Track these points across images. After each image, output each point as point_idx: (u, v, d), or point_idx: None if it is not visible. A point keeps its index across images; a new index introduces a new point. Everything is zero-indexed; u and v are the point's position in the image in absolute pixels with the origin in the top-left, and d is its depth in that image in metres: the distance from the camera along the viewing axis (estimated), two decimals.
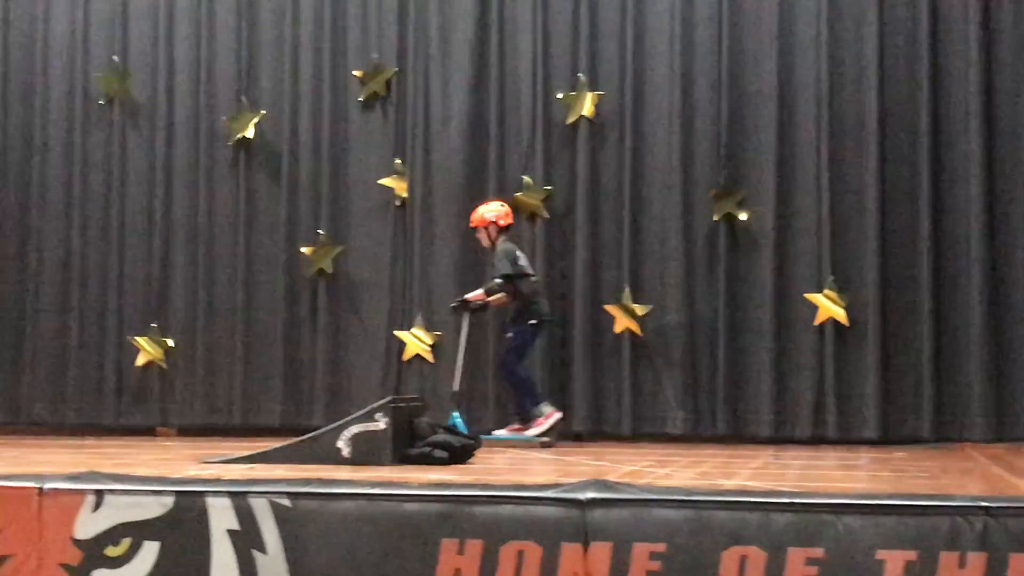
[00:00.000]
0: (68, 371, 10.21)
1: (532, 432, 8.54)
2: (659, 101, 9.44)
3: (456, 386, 8.71)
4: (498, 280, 8.64)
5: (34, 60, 10.56)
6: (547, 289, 9.42)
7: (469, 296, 8.85)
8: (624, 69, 9.51)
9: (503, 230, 8.76)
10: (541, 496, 4.47)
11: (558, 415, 8.61)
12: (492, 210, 8.84)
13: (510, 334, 8.68)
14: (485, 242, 8.88)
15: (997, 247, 8.84)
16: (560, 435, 9.07)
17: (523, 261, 8.70)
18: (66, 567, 4.83)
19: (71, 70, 10.49)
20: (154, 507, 4.78)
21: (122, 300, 10.23)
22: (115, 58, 10.36)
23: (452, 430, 6.92)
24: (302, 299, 9.98)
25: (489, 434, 8.53)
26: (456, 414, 8.45)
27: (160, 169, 10.27)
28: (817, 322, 9.02)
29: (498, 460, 6.93)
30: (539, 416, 8.56)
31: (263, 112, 10.09)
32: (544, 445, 8.37)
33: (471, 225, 9.01)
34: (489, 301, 8.83)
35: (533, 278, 8.67)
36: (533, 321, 8.59)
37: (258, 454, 6.60)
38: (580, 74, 9.52)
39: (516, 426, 8.74)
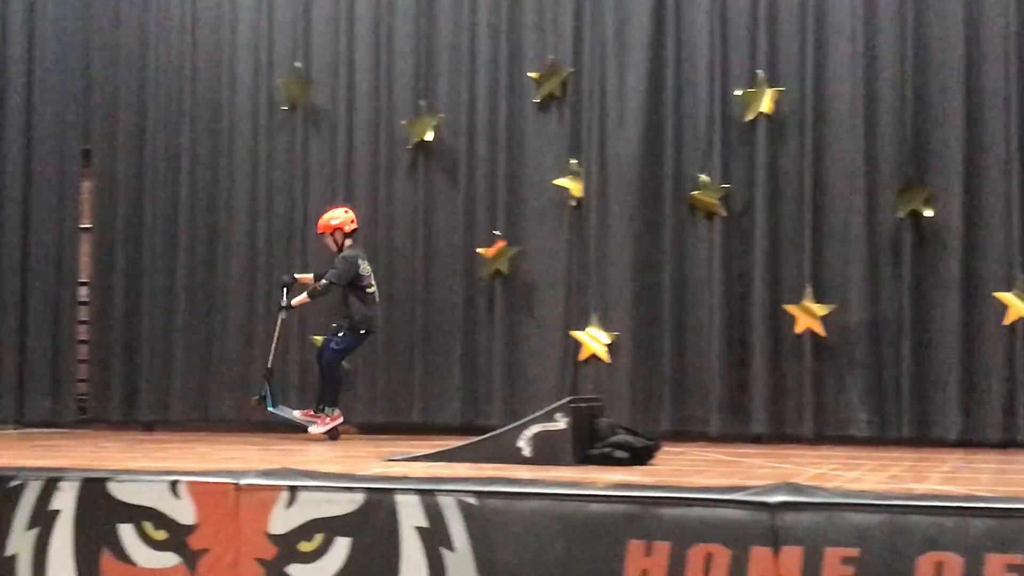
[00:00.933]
0: (253, 370, 10.48)
1: (316, 426, 9.05)
2: (841, 96, 9.25)
3: (269, 363, 9.38)
4: (324, 282, 9.01)
5: (221, 67, 10.88)
6: (724, 288, 9.35)
7: (295, 303, 9.26)
8: (804, 64, 9.34)
9: (348, 235, 9.13)
10: (730, 499, 4.42)
11: (340, 420, 9.12)
12: (337, 217, 9.19)
13: (340, 335, 9.07)
14: (332, 247, 9.19)
15: None
16: (738, 437, 9.04)
17: (364, 270, 9.07)
18: (261, 561, 4.97)
19: (255, 76, 10.78)
20: (345, 503, 4.88)
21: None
22: (297, 64, 10.61)
23: (633, 431, 6.89)
24: (479, 300, 10.08)
25: (276, 407, 9.33)
26: (268, 387, 9.27)
27: (341, 173, 10.48)
28: (1007, 321, 8.72)
29: (679, 462, 6.88)
30: (327, 416, 9.04)
31: (441, 115, 10.21)
32: (331, 436, 9.00)
33: (318, 232, 9.34)
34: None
35: (371, 289, 9.08)
36: (363, 331, 9.08)
37: (441, 452, 6.68)
38: (759, 71, 9.39)
39: (310, 412, 9.21)
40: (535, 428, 6.50)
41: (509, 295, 9.98)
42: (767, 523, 4.34)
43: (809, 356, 9.14)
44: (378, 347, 10.16)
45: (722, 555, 4.36)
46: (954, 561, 4.15)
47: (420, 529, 4.75)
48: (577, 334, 9.74)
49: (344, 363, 9.34)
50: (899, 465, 6.79)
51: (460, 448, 6.69)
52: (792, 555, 4.28)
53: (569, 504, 4.64)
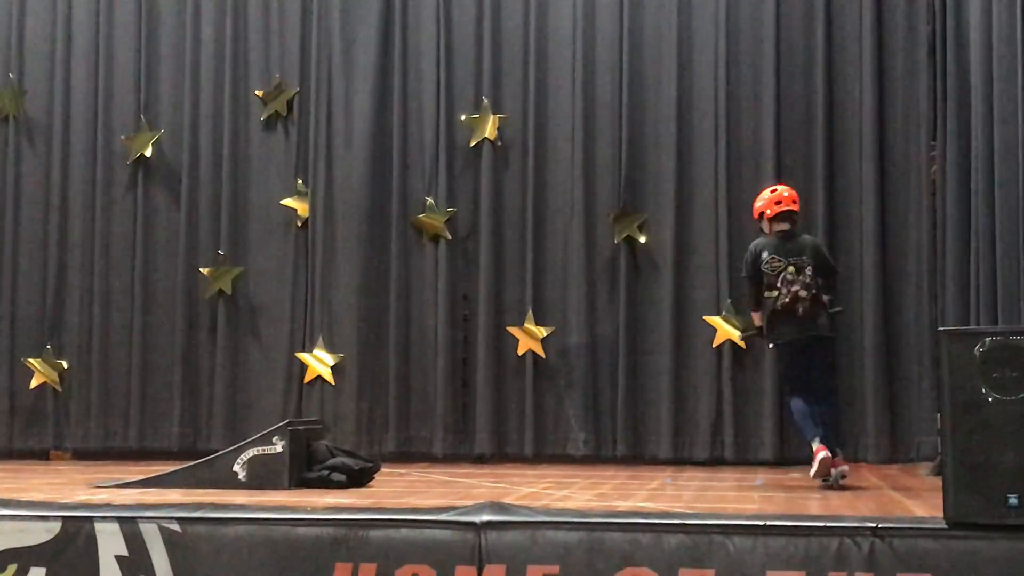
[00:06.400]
0: None
1: None
2: (561, 124, 9.49)
3: None
4: None
5: None
6: (449, 310, 9.45)
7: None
8: (527, 92, 9.55)
9: (771, 219, 7.05)
10: (436, 519, 4.47)
11: None
12: (761, 198, 7.19)
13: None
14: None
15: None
16: (462, 457, 9.14)
17: (765, 265, 6.95)
18: None
19: None
20: (41, 533, 4.69)
21: (15, 321, 10.00)
22: (11, 75, 10.16)
23: (352, 453, 6.88)
24: (201, 321, 9.83)
25: None
26: None
27: (56, 188, 10.06)
28: (715, 344, 9.10)
29: (398, 484, 6.90)
30: None
31: (162, 131, 9.95)
32: None
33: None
34: None
35: (772, 293, 6.91)
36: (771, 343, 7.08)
37: (152, 478, 6.51)
38: (484, 97, 9.54)
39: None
40: (251, 452, 6.43)
41: (232, 316, 9.79)
42: (472, 542, 4.40)
43: (530, 377, 9.32)
44: (93, 369, 9.81)
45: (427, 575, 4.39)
46: None
47: (120, 558, 4.61)
48: (302, 355, 9.64)
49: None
50: (610, 483, 6.99)
51: (173, 473, 6.54)
52: (495, 573, 4.35)
53: (278, 529, 4.59)
